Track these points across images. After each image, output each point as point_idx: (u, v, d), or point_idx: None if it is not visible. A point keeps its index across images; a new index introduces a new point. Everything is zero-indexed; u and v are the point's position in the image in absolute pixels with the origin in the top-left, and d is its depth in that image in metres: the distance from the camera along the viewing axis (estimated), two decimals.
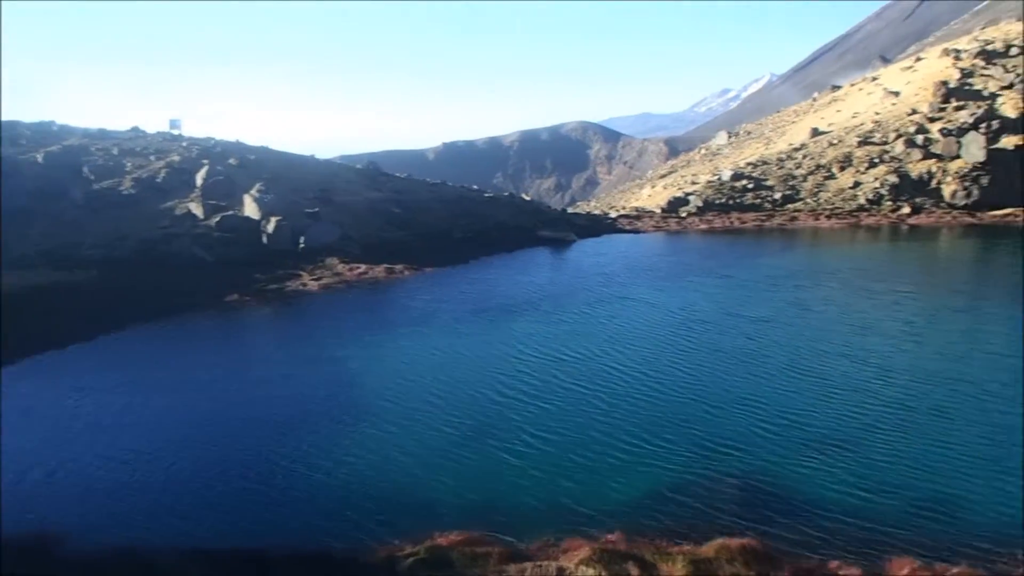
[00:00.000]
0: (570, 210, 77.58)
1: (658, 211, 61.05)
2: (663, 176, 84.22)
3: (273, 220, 43.06)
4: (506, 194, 65.81)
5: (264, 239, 42.72)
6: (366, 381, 23.96)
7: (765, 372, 23.44)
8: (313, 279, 38.81)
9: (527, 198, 72.48)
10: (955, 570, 12.87)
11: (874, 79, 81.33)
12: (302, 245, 42.71)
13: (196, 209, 44.61)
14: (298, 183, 49.33)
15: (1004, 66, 68.67)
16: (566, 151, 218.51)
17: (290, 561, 14.15)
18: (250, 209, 44.33)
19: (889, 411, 19.96)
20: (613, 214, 63.34)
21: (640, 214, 61.28)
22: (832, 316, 30.38)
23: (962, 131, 59.85)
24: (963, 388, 21.43)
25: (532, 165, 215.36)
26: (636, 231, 54.67)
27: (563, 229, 52.00)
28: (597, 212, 70.01)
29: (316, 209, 45.74)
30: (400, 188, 54.61)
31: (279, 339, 30.93)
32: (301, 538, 14.99)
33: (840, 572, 13.02)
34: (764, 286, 35.76)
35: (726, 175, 64.03)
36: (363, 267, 40.65)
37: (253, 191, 45.13)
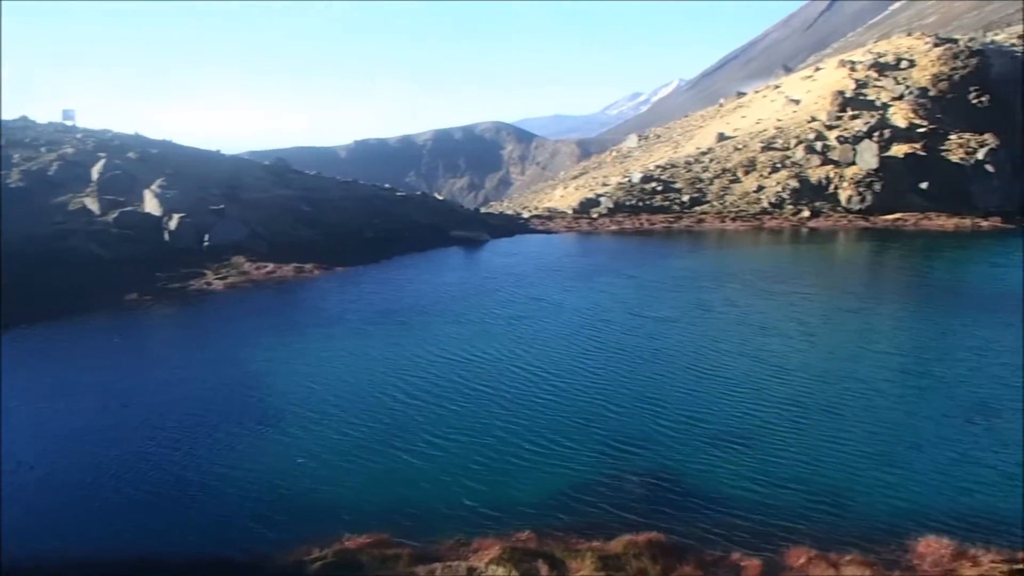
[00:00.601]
0: (483, 210, 77.65)
1: (570, 212, 61.67)
2: (575, 177, 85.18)
3: (176, 217, 41.52)
4: (419, 193, 65.37)
5: (166, 236, 41.15)
6: (270, 384, 23.30)
7: (668, 372, 23.93)
8: (218, 278, 37.61)
9: (440, 197, 72.17)
10: (847, 558, 13.39)
11: (777, 87, 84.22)
12: (207, 243, 41.33)
13: (92, 204, 42.59)
14: (203, 179, 47.73)
15: (895, 78, 72.17)
16: (479, 151, 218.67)
17: (189, 572, 13.62)
18: (151, 205, 42.63)
19: (784, 408, 20.69)
20: (526, 214, 63.68)
21: (552, 215, 61.79)
22: (733, 317, 31.19)
23: (857, 139, 62.62)
24: (853, 386, 22.38)
25: (445, 164, 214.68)
26: (548, 231, 55.08)
27: (476, 229, 51.95)
28: (510, 212, 70.26)
29: (222, 206, 44.33)
30: (310, 186, 53.49)
31: (180, 340, 29.83)
32: (200, 547, 14.45)
33: (742, 563, 13.39)
34: (669, 287, 36.54)
35: (636, 177, 65.19)
36: (271, 266, 39.62)
37: (154, 186, 43.40)
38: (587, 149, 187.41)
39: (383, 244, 45.56)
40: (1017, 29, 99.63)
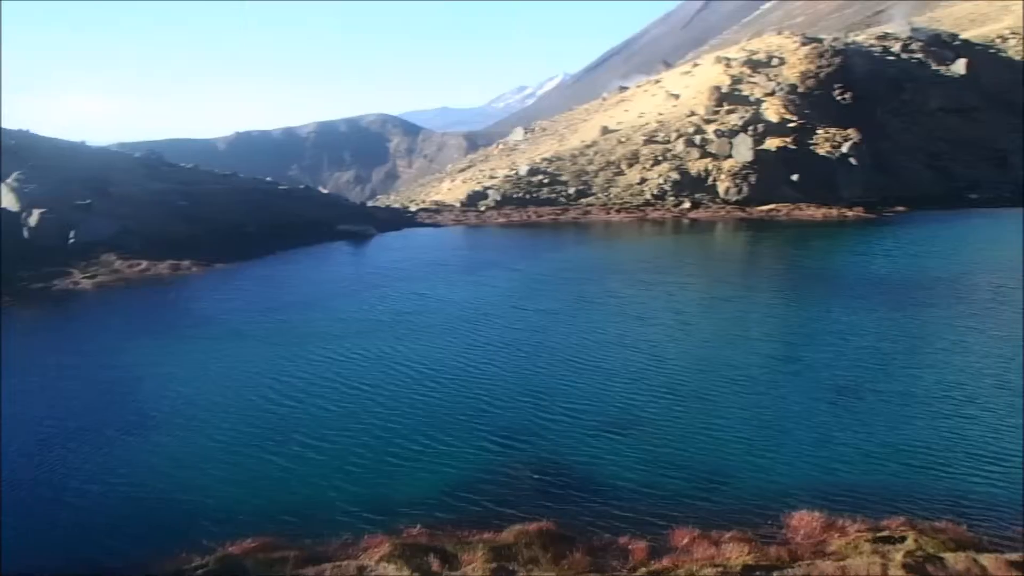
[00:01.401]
0: (370, 203, 76.48)
1: (458, 205, 61.54)
2: (462, 170, 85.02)
3: (36, 212, 38.93)
4: (302, 187, 63.76)
5: (25, 233, 38.55)
6: (140, 390, 22.11)
7: (550, 364, 24.11)
8: (86, 277, 35.53)
9: (325, 191, 70.63)
10: (728, 535, 13.86)
11: (657, 82, 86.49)
12: (72, 240, 38.96)
13: None
14: (67, 172, 44.91)
15: (767, 75, 75.44)
16: (365, 144, 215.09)
17: None
18: (8, 200, 39.81)
19: (662, 396, 21.25)
20: (413, 208, 63.14)
21: (440, 208, 61.50)
22: (613, 308, 31.77)
23: (733, 133, 65.12)
24: (727, 373, 23.19)
25: (330, 157, 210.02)
26: (436, 225, 54.77)
27: (363, 223, 51.09)
28: (397, 206, 69.50)
29: (89, 201, 41.86)
30: (187, 179, 51.26)
31: (40, 344, 27.87)
32: (69, 561, 13.62)
33: (629, 546, 13.66)
34: (553, 280, 36.92)
35: (523, 170, 65.67)
36: (144, 264, 37.75)
37: (11, 180, 40.56)
38: (474, 142, 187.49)
39: (266, 240, 44.15)
40: (876, 31, 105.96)
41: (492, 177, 68.00)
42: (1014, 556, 12.86)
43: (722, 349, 25.77)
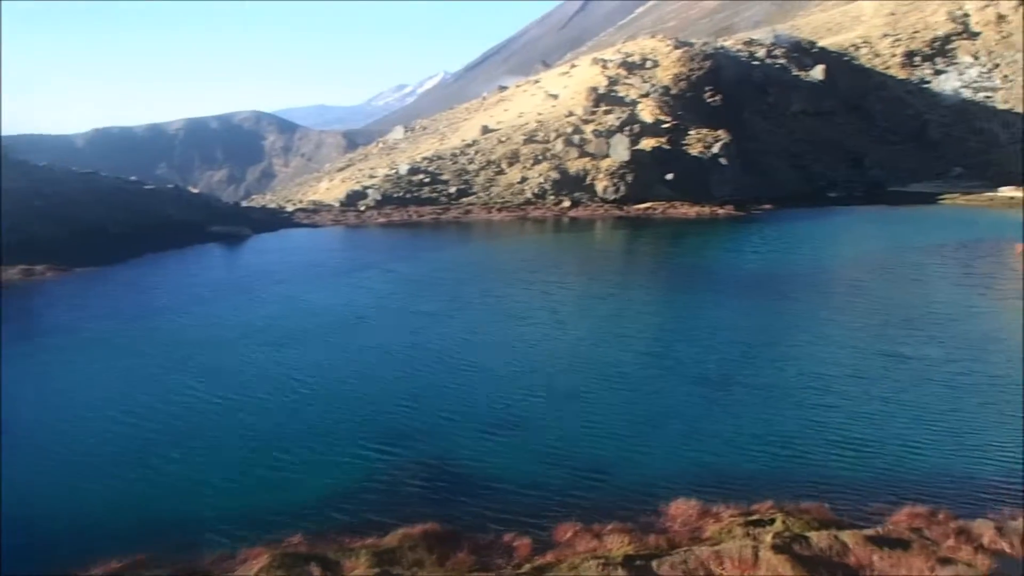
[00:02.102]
0: (244, 204, 73.91)
1: (336, 205, 60.30)
2: (341, 169, 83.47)
3: None
4: (171, 186, 60.90)
5: None
6: None
7: (430, 366, 23.87)
8: None
9: (195, 191, 67.75)
10: (609, 527, 14.14)
11: (536, 82, 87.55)
12: None
13: None
14: None
15: (642, 76, 77.67)
16: (239, 141, 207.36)
17: None
18: None
19: (540, 394, 21.45)
20: (290, 208, 61.44)
21: (318, 208, 60.11)
22: (492, 307, 31.80)
23: (610, 133, 66.63)
24: (602, 369, 23.62)
25: (201, 156, 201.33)
26: (314, 225, 53.52)
27: (237, 224, 49.30)
28: (274, 206, 67.45)
29: None
30: (40, 177, 47.97)
31: None
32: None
33: (514, 544, 13.73)
34: (433, 280, 36.67)
35: (403, 169, 65.06)
36: None
37: None
38: (353, 140, 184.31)
39: (131, 242, 41.83)
40: (743, 36, 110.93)
41: (372, 176, 67.05)
42: (870, 531, 13.67)
43: (598, 347, 26.24)
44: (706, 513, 14.71)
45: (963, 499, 15.44)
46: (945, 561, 12.82)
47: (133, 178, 56.31)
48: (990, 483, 16.24)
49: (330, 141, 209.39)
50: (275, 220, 53.94)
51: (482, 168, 66.04)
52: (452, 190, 62.88)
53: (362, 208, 59.31)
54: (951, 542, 13.37)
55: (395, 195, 61.19)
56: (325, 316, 29.70)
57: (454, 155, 68.40)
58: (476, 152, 68.55)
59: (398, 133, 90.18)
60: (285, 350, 25.24)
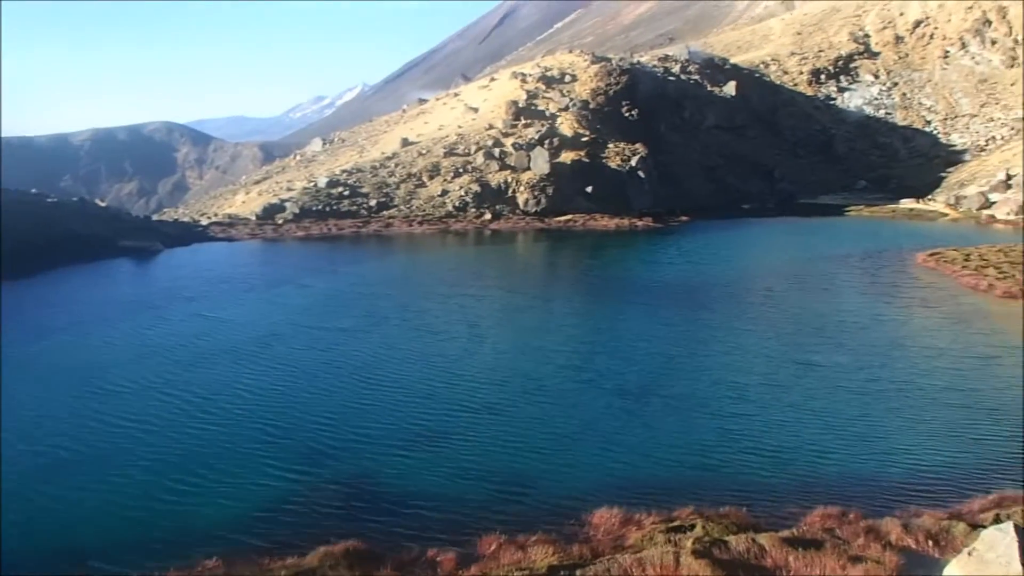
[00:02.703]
0: (156, 217, 71.61)
1: (253, 218, 59.00)
2: (258, 182, 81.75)
3: None
4: (75, 199, 58.54)
5: None
6: None
7: (347, 383, 23.31)
8: None
9: (103, 204, 65.29)
10: (534, 539, 14.10)
11: (456, 95, 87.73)
12: None
13: None
14: None
15: (561, 90, 78.65)
16: (150, 153, 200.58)
17: None
18: None
19: (460, 409, 21.24)
20: (205, 221, 59.80)
21: (234, 221, 58.67)
22: (408, 322, 31.12)
23: (531, 146, 67.19)
24: (522, 383, 23.48)
25: (109, 168, 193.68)
26: (230, 239, 52.21)
27: (148, 238, 47.70)
28: (187, 219, 65.56)
29: None
30: None
31: None
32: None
33: (438, 558, 13.56)
34: (350, 295, 36.02)
35: (322, 182, 64.15)
36: None
37: None
38: (270, 152, 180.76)
39: (33, 257, 39.86)
40: (658, 52, 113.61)
41: (290, 189, 65.89)
42: (786, 533, 14.03)
43: (517, 360, 26.11)
44: (628, 521, 14.82)
45: (872, 499, 16.01)
46: (856, 559, 13.25)
47: (34, 191, 53.87)
48: (896, 483, 16.91)
49: (246, 153, 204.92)
50: (189, 234, 52.42)
51: (403, 181, 65.67)
52: (372, 203, 62.30)
53: (280, 221, 58.20)
54: (861, 540, 13.82)
55: (314, 208, 60.26)
56: (235, 334, 28.61)
57: (374, 168, 67.84)
58: (396, 165, 68.15)
59: (316, 145, 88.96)
60: (194, 370, 24.19)
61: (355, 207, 61.66)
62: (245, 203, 67.28)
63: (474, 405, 21.54)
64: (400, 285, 38.95)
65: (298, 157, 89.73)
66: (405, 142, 72.92)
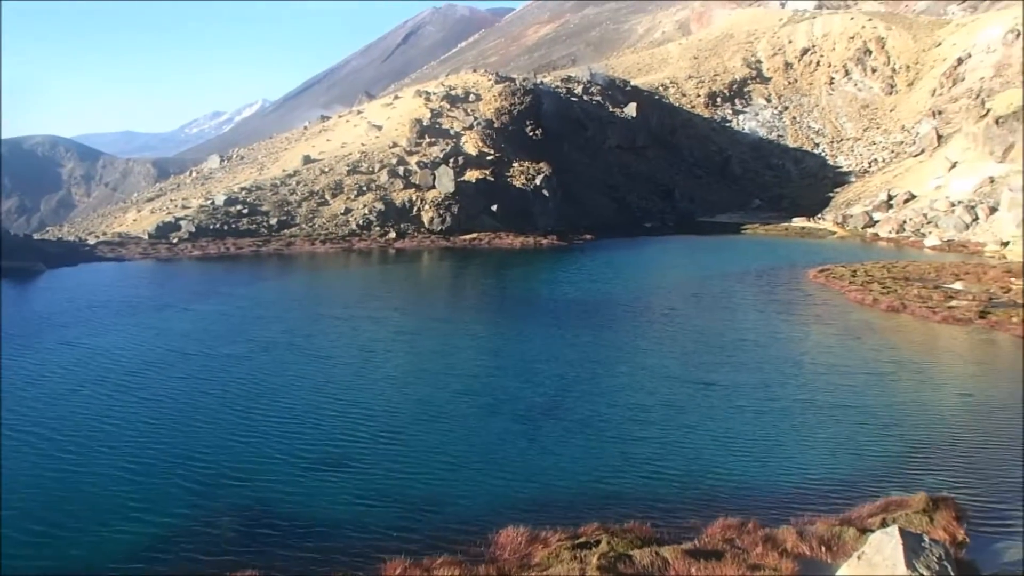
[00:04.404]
0: (38, 236, 67.90)
1: (146, 237, 56.69)
2: (151, 200, 78.76)
3: None
4: None
5: None
6: None
7: (228, 413, 21.90)
8: None
9: None
10: (439, 561, 13.85)
11: (359, 112, 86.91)
12: None
13: None
14: None
15: (465, 109, 78.96)
16: (31, 168, 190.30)
17: None
18: None
19: (354, 435, 20.42)
20: (92, 240, 57.05)
21: (124, 240, 56.17)
22: (300, 347, 29.54)
23: (435, 164, 67.12)
24: (417, 409, 22.68)
25: None
26: (120, 259, 49.95)
27: (27, 258, 45.09)
28: (72, 238, 62.41)
29: None
30: None
31: None
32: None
33: None
34: (236, 319, 34.11)
35: (220, 199, 62.27)
36: None
37: None
38: (164, 169, 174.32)
39: None
40: (560, 73, 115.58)
41: (185, 207, 63.65)
42: (688, 545, 14.24)
43: (412, 386, 25.19)
44: (535, 539, 14.74)
45: (769, 509, 16.41)
46: (755, 567, 13.55)
47: None
48: (792, 493, 17.41)
49: (139, 170, 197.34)
50: (74, 254, 49.88)
51: (304, 199, 64.46)
52: (273, 221, 60.87)
53: (175, 240, 56.12)
54: (759, 549, 14.15)
55: (211, 227, 58.39)
56: (107, 363, 26.39)
57: (275, 185, 66.36)
58: (298, 183, 66.87)
59: (214, 162, 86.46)
60: (56, 406, 22.04)
61: (255, 225, 60.09)
62: (137, 221, 64.61)
63: (369, 432, 20.70)
64: (295, 307, 37.53)
65: (194, 174, 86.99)
66: (307, 159, 71.63)
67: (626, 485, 17.90)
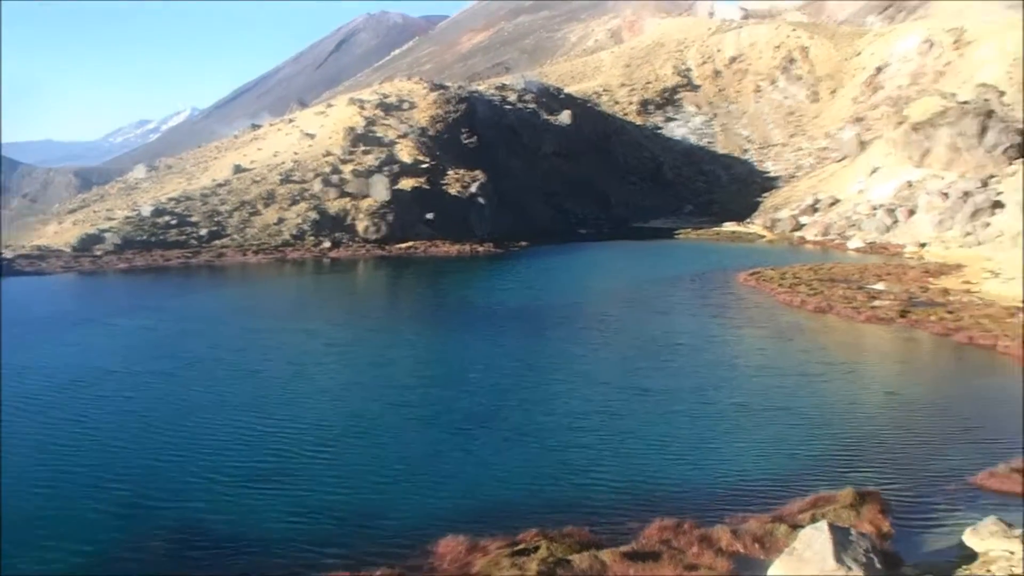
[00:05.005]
0: None
1: (68, 250, 54.77)
2: (73, 211, 76.09)
3: None
4: None
5: None
6: None
7: (152, 434, 21.05)
8: None
9: None
10: (378, 572, 13.72)
11: (291, 121, 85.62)
12: None
13: None
14: None
15: (399, 117, 78.54)
16: None
17: None
18: None
19: (285, 452, 19.89)
20: (10, 254, 54.82)
21: (45, 253, 54.11)
22: (222, 362, 28.56)
23: (370, 173, 66.56)
24: (350, 423, 22.21)
25: None
26: (40, 273, 48.19)
27: None
28: None
29: None
30: None
31: None
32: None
33: None
34: (161, 334, 32.87)
35: (147, 210, 60.59)
36: None
37: None
38: (88, 179, 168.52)
39: None
40: (495, 81, 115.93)
41: (110, 219, 61.75)
42: (626, 548, 14.38)
43: (345, 399, 24.63)
44: (474, 548, 14.70)
45: (705, 509, 16.69)
46: (691, 567, 13.76)
47: None
48: (727, 493, 17.74)
49: (60, 180, 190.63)
50: None
51: (236, 209, 63.19)
52: (203, 232, 59.48)
53: (99, 253, 54.37)
54: (695, 549, 14.38)
55: (138, 238, 56.76)
56: (24, 384, 24.96)
57: (204, 195, 64.88)
58: (229, 192, 65.53)
59: (140, 172, 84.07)
60: None
61: (184, 236, 58.64)
62: (58, 233, 62.42)
63: (299, 448, 20.18)
64: (224, 320, 36.39)
65: (119, 184, 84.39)
66: (238, 168, 70.21)
67: (564, 492, 17.97)
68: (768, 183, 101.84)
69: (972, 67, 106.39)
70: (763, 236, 78.09)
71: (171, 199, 64.11)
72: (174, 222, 59.76)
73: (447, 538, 14.97)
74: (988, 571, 12.94)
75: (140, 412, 22.71)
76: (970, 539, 14.42)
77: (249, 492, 17.54)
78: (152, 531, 15.67)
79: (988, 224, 62.43)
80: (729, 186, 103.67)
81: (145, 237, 57.06)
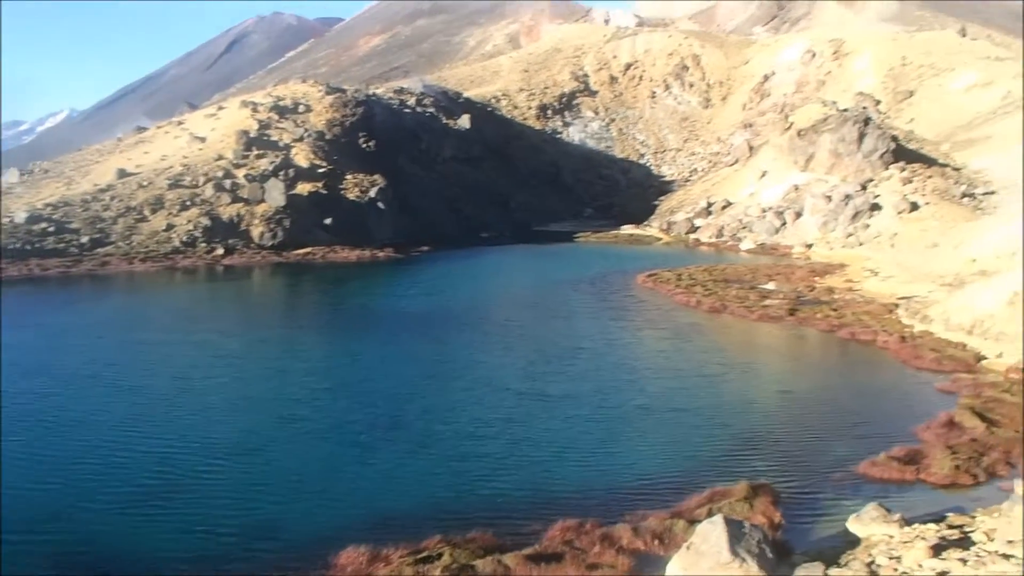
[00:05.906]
0: None
1: None
2: None
3: None
4: None
5: None
6: None
7: (29, 453, 19.78)
8: None
9: None
10: None
11: (180, 123, 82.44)
12: None
13: None
14: None
15: (295, 121, 76.79)
16: None
17: None
18: None
19: (169, 471, 18.92)
20: None
21: None
22: (99, 379, 26.97)
23: (265, 177, 64.78)
24: (238, 438, 21.38)
25: None
26: None
27: None
28: None
29: None
30: None
31: None
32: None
33: None
34: (34, 349, 30.66)
35: (20, 217, 57.12)
36: None
37: None
38: None
39: None
40: (393, 85, 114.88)
41: None
42: (529, 550, 14.37)
43: (232, 415, 23.57)
44: (376, 558, 14.41)
45: (606, 508, 16.84)
46: (593, 566, 13.84)
47: None
48: (627, 492, 17.96)
49: None
50: None
51: (120, 215, 60.36)
52: (84, 240, 56.52)
53: None
54: (597, 548, 14.49)
55: (11, 247, 53.36)
56: None
57: (85, 201, 61.70)
58: (112, 198, 62.53)
59: (13, 176, 79.05)
60: None
61: (63, 244, 55.55)
62: None
63: (186, 466, 19.23)
64: (105, 334, 34.37)
65: None
66: (122, 173, 67.04)
67: (468, 499, 17.80)
68: (664, 187, 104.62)
69: (851, 77, 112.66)
70: (660, 238, 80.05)
71: (48, 205, 60.63)
72: (52, 229, 56.55)
73: (348, 549, 14.62)
74: (870, 555, 13.51)
75: (9, 433, 21.03)
76: (853, 525, 15.06)
77: (133, 513, 16.64)
78: (39, 559, 14.71)
79: (867, 226, 65.92)
80: (627, 190, 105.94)
81: (19, 245, 53.74)
